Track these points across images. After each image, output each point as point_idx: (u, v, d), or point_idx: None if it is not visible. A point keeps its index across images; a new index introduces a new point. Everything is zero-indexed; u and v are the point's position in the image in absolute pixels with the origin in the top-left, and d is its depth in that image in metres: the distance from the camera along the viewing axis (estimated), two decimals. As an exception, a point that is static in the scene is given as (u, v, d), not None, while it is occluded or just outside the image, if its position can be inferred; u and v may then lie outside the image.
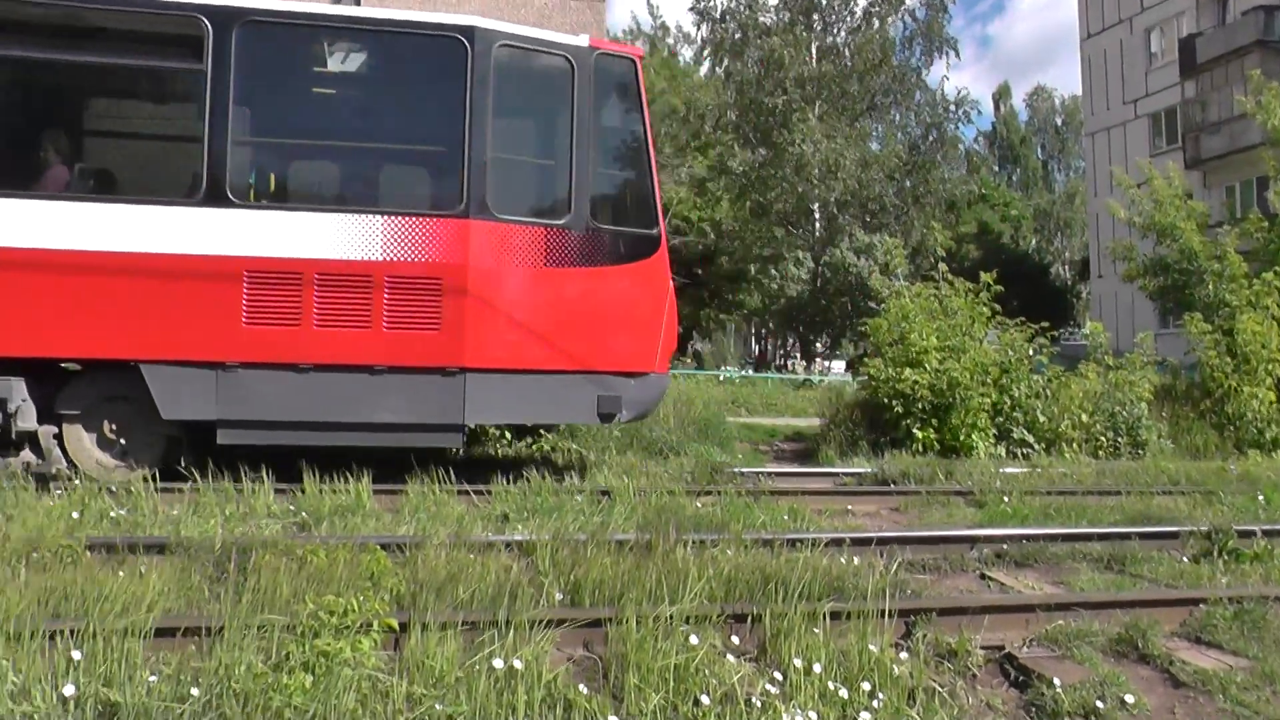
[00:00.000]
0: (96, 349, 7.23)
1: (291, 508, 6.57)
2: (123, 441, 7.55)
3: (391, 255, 7.47)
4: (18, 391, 7.12)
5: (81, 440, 7.47)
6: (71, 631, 3.49)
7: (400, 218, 7.56)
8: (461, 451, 9.33)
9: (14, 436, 7.18)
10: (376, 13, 8.12)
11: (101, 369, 7.36)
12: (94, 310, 7.15)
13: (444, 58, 7.72)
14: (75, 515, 5.96)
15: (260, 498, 6.57)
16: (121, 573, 4.41)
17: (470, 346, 7.57)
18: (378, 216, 7.53)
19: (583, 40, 8.14)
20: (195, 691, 3.17)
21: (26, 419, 7.20)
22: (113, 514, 6.21)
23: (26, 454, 7.32)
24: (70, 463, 7.40)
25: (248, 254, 7.30)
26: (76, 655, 3.34)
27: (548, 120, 8.29)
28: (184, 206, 7.33)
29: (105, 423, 7.51)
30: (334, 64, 8.17)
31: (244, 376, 7.34)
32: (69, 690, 3.15)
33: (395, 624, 3.65)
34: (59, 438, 7.39)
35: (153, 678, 3.24)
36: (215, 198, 7.30)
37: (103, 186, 7.78)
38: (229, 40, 7.34)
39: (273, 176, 8.03)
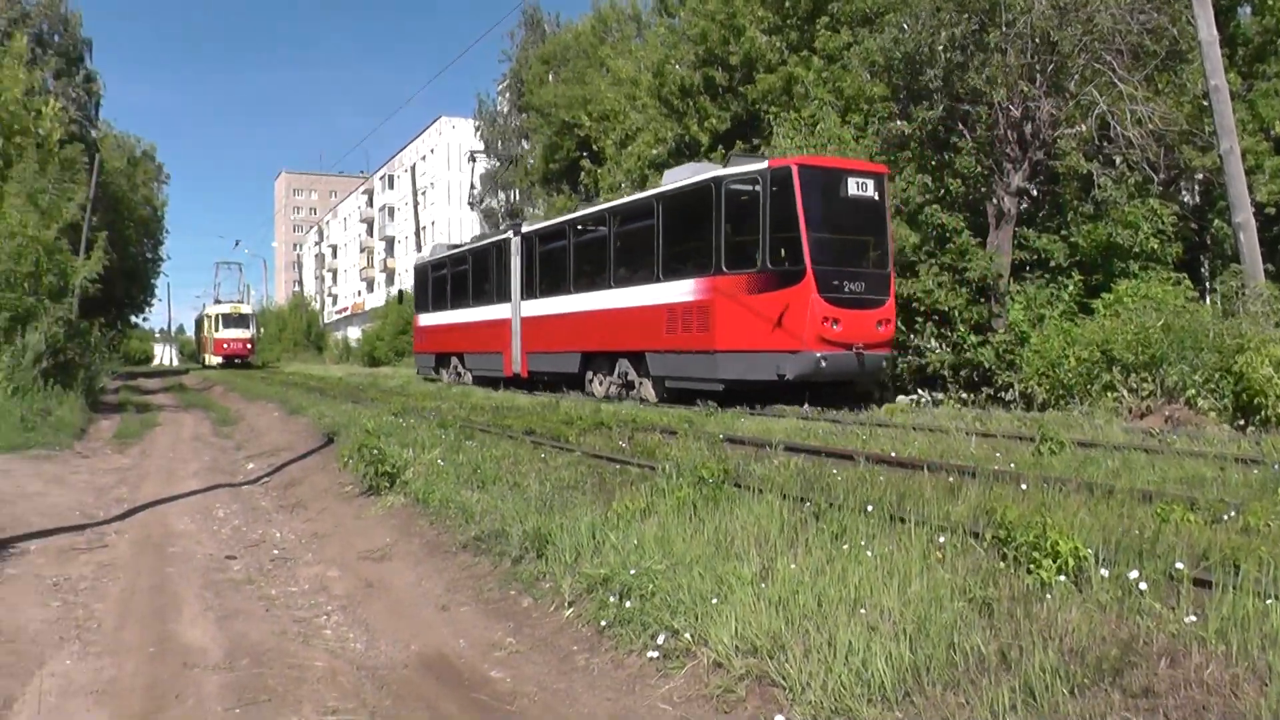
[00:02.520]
0: (636, 346, 17.19)
1: None
2: (653, 387, 17.32)
3: (694, 296, 15.31)
4: (624, 363, 17.71)
5: (647, 386, 17.43)
6: None
7: (695, 278, 15.32)
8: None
9: (625, 381, 17.84)
10: (680, 183, 15.84)
11: (645, 354, 17.29)
12: (635, 330, 17.13)
13: (707, 197, 15.09)
14: None
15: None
16: None
17: (717, 338, 14.74)
18: (690, 278, 15.45)
19: (763, 163, 14.32)
20: None
21: (632, 375, 17.69)
22: None
23: (634, 392, 17.79)
24: (642, 397, 17.56)
25: (664, 301, 16.23)
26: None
27: (751, 212, 14.48)
28: (649, 284, 16.67)
29: (651, 378, 17.41)
30: (663, 216, 16.26)
31: (665, 356, 16.26)
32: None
33: None
34: (641, 385, 17.66)
35: None
36: (657, 278, 16.49)
37: (630, 279, 17.25)
38: (659, 209, 16.50)
39: (672, 265, 16.22)
